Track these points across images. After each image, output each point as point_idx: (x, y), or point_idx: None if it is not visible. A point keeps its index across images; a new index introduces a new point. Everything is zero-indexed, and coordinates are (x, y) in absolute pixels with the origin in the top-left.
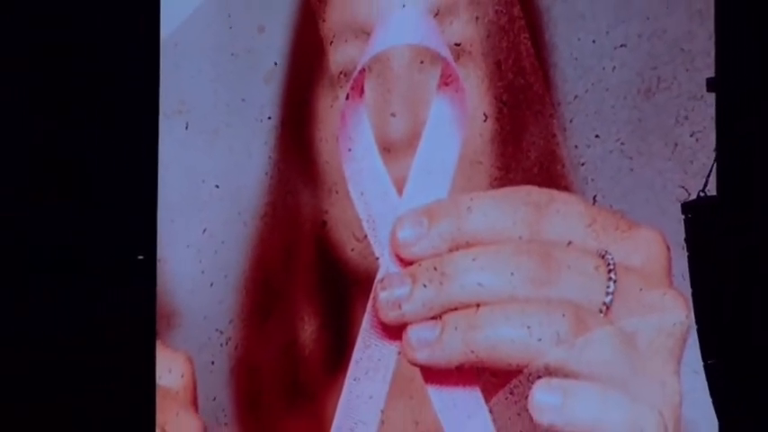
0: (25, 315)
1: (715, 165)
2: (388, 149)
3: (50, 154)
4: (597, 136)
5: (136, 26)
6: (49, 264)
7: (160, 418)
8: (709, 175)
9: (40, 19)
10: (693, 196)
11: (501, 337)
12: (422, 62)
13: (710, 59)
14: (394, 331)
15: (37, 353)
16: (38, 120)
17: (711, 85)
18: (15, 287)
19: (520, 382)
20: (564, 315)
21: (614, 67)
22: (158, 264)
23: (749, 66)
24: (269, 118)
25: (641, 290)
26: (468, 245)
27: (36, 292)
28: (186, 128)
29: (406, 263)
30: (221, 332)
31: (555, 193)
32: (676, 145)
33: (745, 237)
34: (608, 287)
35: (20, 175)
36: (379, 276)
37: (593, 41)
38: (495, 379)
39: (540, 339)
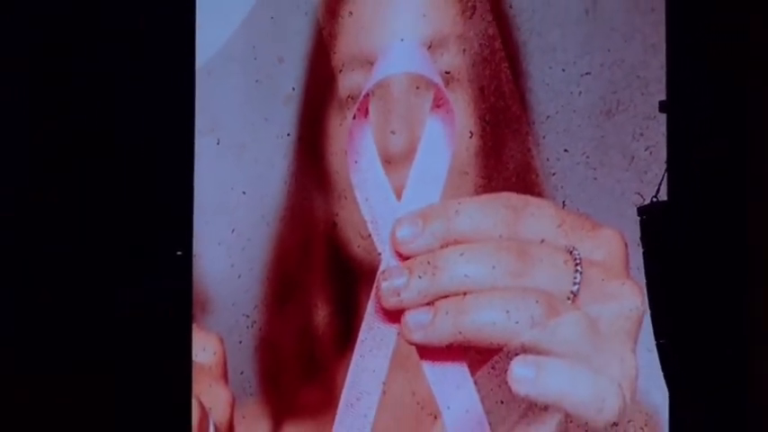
0: (87, 297)
1: (666, 175)
2: (388, 161)
3: (111, 169)
4: (566, 150)
5: (175, 57)
6: (101, 258)
7: (196, 389)
8: (660, 184)
9: (100, 53)
10: (647, 201)
11: (484, 321)
12: (417, 88)
13: (662, 85)
14: (394, 315)
15: (92, 331)
16: (97, 140)
17: (663, 107)
18: (83, 275)
19: (500, 358)
20: (537, 302)
21: (580, 92)
22: (194, 259)
23: (695, 91)
24: (288, 135)
25: (603, 280)
26: (456, 242)
27: (92, 280)
28: (218, 143)
29: (404, 258)
30: (247, 316)
31: (530, 198)
32: (633, 158)
33: (691, 236)
34: (575, 278)
35: (93, 187)
36: (381, 269)
37: (563, 70)
38: (480, 356)
39: (517, 322)
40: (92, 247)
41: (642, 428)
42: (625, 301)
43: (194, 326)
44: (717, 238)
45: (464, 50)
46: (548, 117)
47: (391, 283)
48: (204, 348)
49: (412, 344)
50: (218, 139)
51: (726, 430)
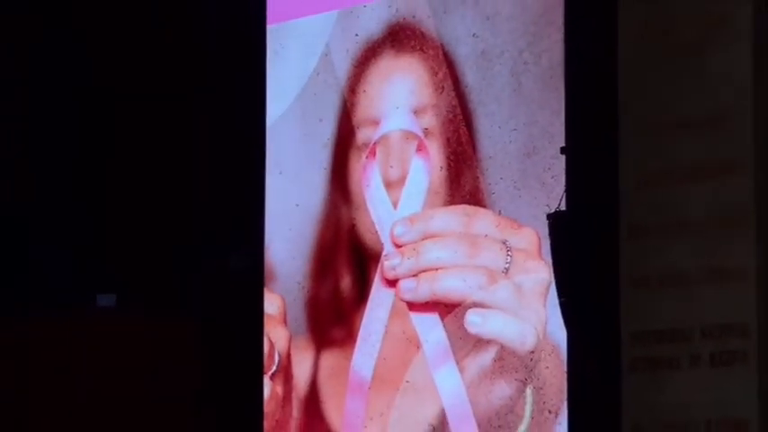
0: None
1: (564, 194)
2: (388, 185)
3: (218, 193)
4: (501, 178)
5: (254, 119)
6: (214, 254)
7: (266, 329)
8: (561, 200)
9: (211, 123)
10: (553, 210)
11: (450, 286)
12: (407, 138)
13: (562, 137)
14: (392, 283)
15: (205, 293)
16: (206, 176)
17: (563, 151)
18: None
19: (460, 310)
20: (483, 274)
21: (510, 141)
22: (265, 247)
23: (585, 142)
24: (325, 168)
25: (525, 261)
26: (432, 236)
27: (208, 260)
28: (280, 173)
29: (398, 246)
30: (299, 283)
31: (478, 209)
32: (544, 183)
33: (580, 232)
34: (507, 259)
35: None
36: (384, 254)
37: (499, 127)
38: (447, 308)
39: (470, 287)
40: (209, 239)
41: (550, 355)
42: (539, 274)
43: (265, 289)
44: (597, 234)
45: (437, 115)
46: (490, 157)
47: (390, 263)
48: (271, 303)
49: (403, 301)
50: (281, 171)
51: (601, 355)
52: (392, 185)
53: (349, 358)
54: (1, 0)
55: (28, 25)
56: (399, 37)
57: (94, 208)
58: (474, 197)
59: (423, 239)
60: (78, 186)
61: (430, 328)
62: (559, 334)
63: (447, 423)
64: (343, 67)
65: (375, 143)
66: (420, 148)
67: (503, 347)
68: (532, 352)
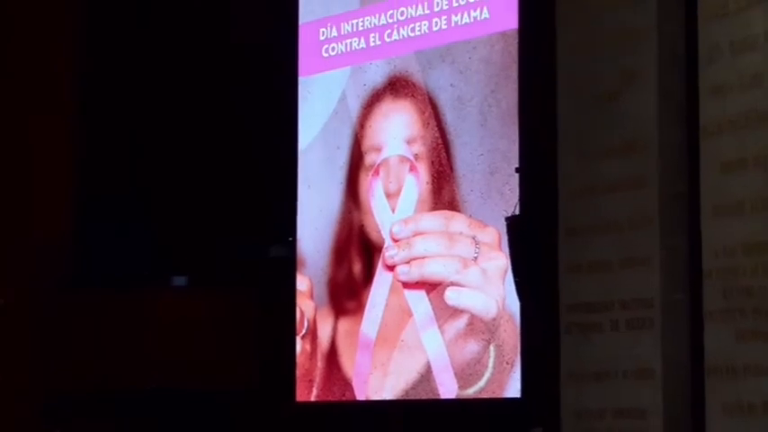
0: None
1: (519, 202)
2: (388, 196)
3: (261, 202)
4: (472, 191)
5: (288, 144)
6: (261, 246)
7: (298, 302)
8: (515, 207)
9: (264, 150)
10: (510, 214)
11: (434, 270)
12: (402, 161)
13: (516, 160)
14: (391, 268)
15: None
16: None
17: (517, 170)
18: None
19: (441, 288)
20: (459, 261)
21: (479, 163)
22: (297, 242)
23: (534, 164)
24: (341, 183)
25: (489, 252)
26: (421, 234)
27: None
28: (309, 187)
29: (395, 241)
30: (322, 268)
31: (455, 213)
32: (503, 194)
33: (530, 231)
34: (476, 251)
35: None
36: (384, 246)
37: (470, 153)
38: (431, 287)
39: (449, 271)
40: (257, 235)
41: (507, 321)
42: (499, 261)
43: (297, 273)
44: (542, 232)
45: (424, 144)
46: (463, 175)
47: (389, 253)
48: (302, 283)
49: (399, 282)
50: (309, 185)
51: (544, 321)
52: (391, 196)
53: (359, 323)
54: None
55: None
56: (396, 86)
57: (173, 210)
58: (451, 205)
59: (414, 236)
60: (161, 190)
61: (419, 302)
62: (514, 306)
63: (431, 371)
64: (354, 108)
65: (378, 165)
66: (412, 169)
67: (473, 316)
68: (494, 319)
